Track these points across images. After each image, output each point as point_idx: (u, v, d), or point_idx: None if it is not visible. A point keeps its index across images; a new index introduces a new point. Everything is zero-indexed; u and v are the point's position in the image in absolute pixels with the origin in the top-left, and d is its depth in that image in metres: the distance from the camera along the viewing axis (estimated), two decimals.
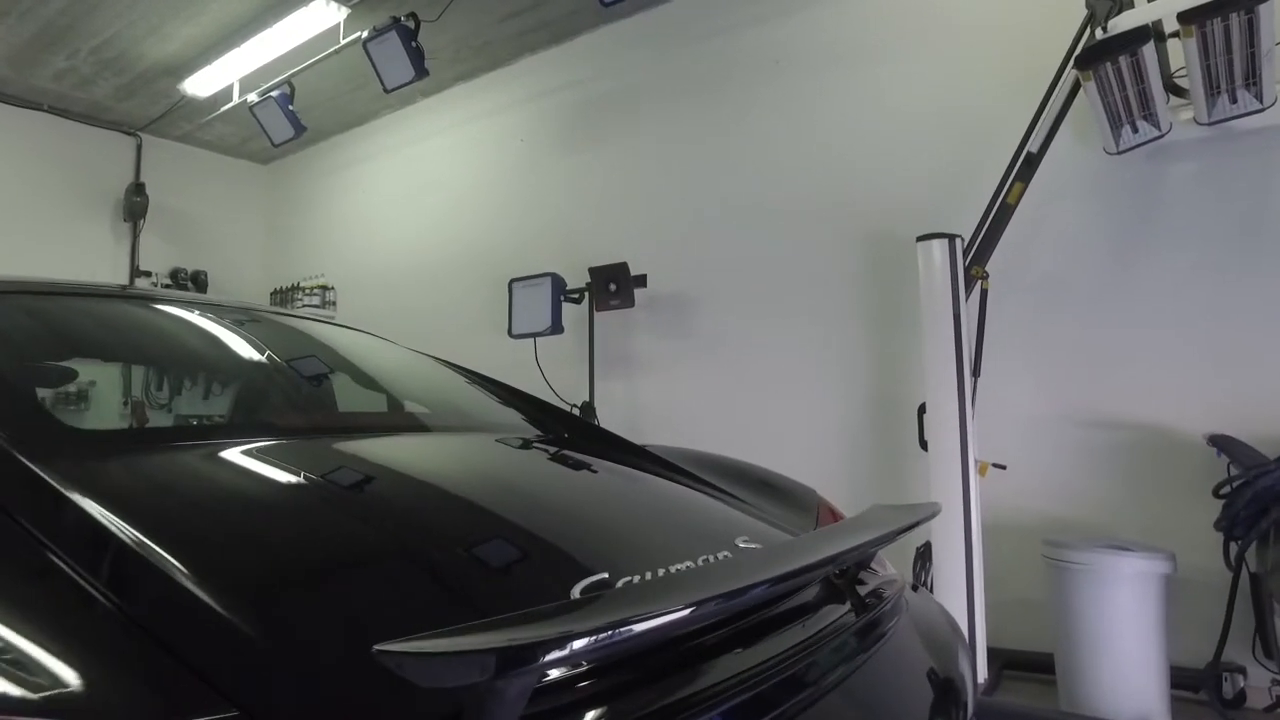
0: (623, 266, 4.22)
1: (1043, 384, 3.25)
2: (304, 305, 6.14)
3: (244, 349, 1.68)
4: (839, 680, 0.88)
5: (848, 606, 1.00)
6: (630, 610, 0.58)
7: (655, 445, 1.87)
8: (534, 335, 4.41)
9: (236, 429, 1.42)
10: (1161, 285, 3.05)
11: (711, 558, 0.95)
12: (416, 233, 5.83)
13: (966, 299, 2.96)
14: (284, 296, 6.36)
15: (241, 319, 1.78)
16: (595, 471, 1.41)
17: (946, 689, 1.11)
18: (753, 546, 1.04)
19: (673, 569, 0.88)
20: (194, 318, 1.71)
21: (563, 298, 4.42)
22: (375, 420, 1.63)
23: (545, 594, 0.81)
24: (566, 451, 1.54)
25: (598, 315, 4.41)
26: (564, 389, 4.41)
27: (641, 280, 4.25)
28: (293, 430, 1.31)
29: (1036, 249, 3.29)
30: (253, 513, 0.89)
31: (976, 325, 3.04)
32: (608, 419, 4.37)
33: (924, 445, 3.06)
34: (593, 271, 4.31)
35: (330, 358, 1.81)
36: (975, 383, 3.02)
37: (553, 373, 4.45)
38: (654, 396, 4.45)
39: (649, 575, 0.84)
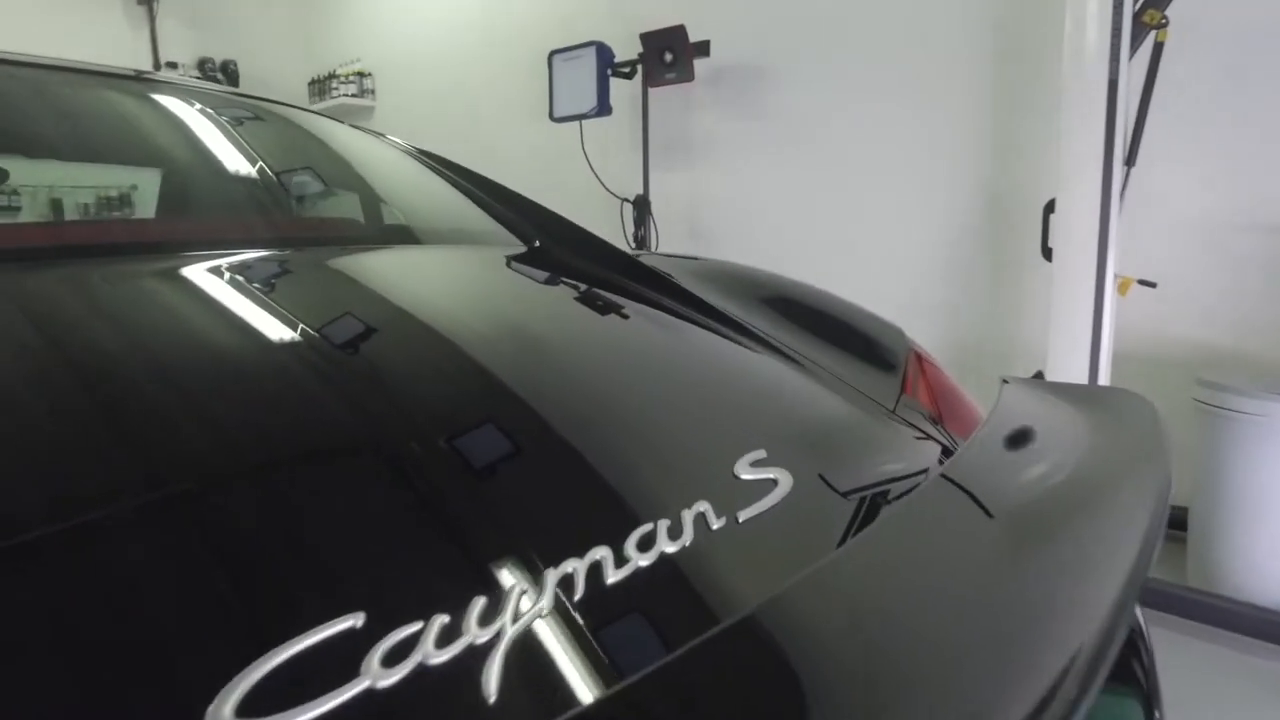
0: (679, 31, 3.45)
1: (1222, 176, 2.47)
2: (340, 96, 5.59)
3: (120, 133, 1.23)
4: None
5: None
6: None
7: (683, 257, 1.38)
8: (578, 117, 3.77)
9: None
10: None
11: (677, 521, 0.48)
12: (453, 4, 5.06)
13: (1131, 56, 2.17)
14: (321, 87, 5.80)
15: (138, 95, 1.32)
16: (542, 314, 0.92)
17: None
18: (767, 478, 0.56)
19: (574, 569, 0.41)
20: (84, 89, 1.25)
21: (610, 72, 3.71)
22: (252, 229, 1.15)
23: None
24: (518, 270, 1.05)
25: (652, 92, 3.71)
26: (613, 181, 3.85)
27: (703, 48, 3.49)
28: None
29: None
30: None
31: (1141, 94, 2.27)
32: (664, 218, 3.83)
33: (1047, 254, 2.43)
34: (644, 39, 3.56)
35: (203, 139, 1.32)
36: (1127, 174, 2.31)
37: (601, 162, 3.87)
38: (719, 190, 3.83)
39: (487, 613, 0.38)
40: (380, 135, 1.52)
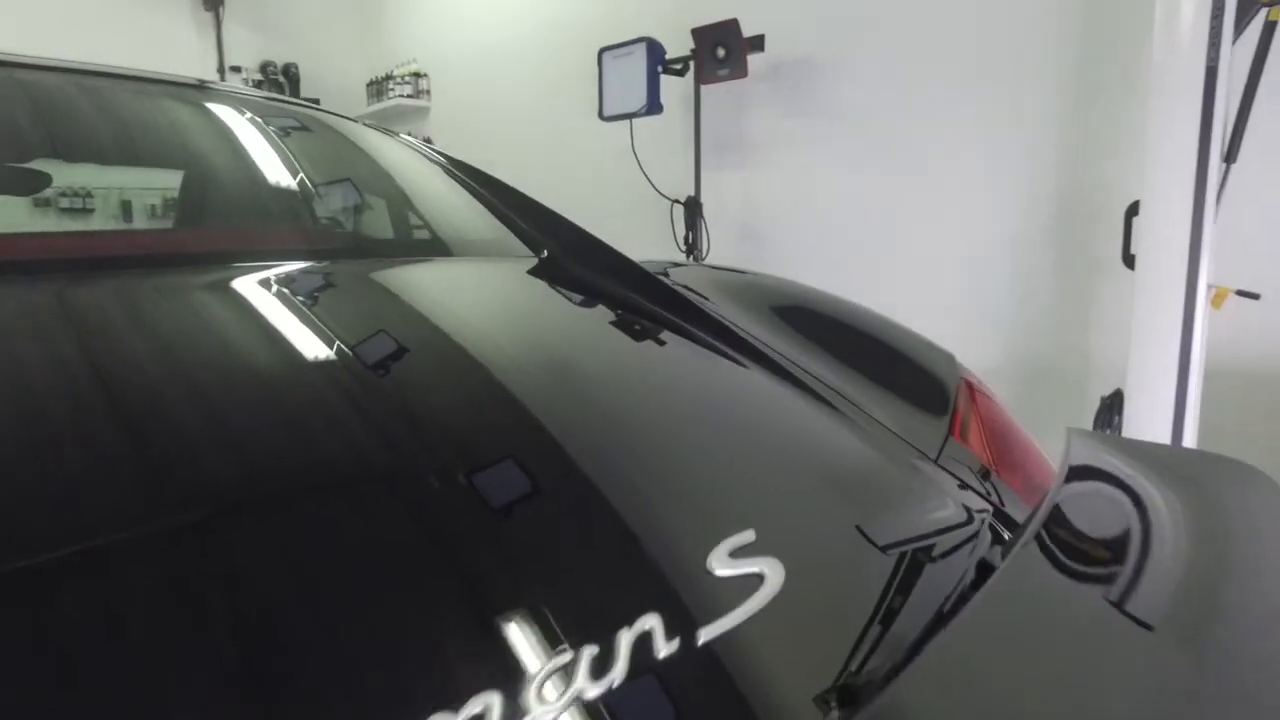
0: (732, 25, 3.31)
1: None
2: (396, 97, 5.61)
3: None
4: None
5: None
6: None
7: (712, 268, 1.25)
8: (628, 116, 3.65)
9: None
10: None
11: (609, 646, 0.36)
12: (506, 3, 5.02)
13: (1235, 39, 1.94)
14: (379, 88, 5.84)
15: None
16: (523, 344, 0.80)
17: None
18: (751, 573, 0.43)
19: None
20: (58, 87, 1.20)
21: (661, 69, 3.59)
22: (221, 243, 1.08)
23: None
24: (516, 288, 0.94)
25: (704, 89, 3.56)
26: (664, 182, 3.73)
27: (757, 43, 3.34)
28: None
29: None
30: None
31: (1245, 83, 2.03)
32: (716, 220, 3.68)
33: (1129, 261, 2.21)
34: (696, 34, 3.43)
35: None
36: (1226, 171, 2.07)
37: (652, 162, 3.75)
38: (773, 191, 3.67)
39: None
40: (393, 134, 1.44)
